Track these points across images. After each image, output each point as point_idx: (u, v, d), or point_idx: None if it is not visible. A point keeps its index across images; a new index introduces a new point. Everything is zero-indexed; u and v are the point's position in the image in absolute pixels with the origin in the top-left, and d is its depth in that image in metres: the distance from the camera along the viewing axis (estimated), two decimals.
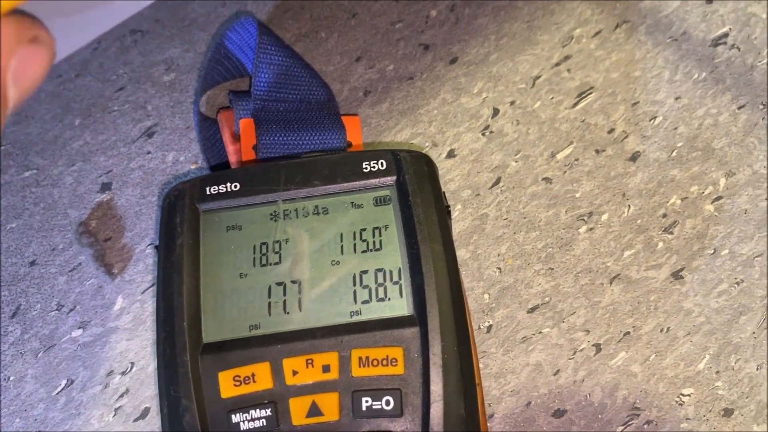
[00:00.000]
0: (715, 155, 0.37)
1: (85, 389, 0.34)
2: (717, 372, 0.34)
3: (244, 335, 0.29)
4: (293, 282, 0.30)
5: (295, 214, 0.31)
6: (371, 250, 0.30)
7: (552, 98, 0.39)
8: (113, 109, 0.39)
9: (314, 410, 0.27)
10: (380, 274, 0.30)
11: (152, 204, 0.37)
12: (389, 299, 0.29)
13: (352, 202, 0.31)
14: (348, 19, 0.41)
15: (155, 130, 0.39)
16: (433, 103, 0.39)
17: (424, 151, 0.38)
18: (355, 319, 0.29)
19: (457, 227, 0.36)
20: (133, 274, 0.36)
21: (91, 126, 0.39)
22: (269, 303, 0.29)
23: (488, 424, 0.33)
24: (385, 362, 0.28)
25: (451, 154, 0.38)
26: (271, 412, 0.27)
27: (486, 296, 0.35)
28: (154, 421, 0.33)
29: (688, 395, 0.33)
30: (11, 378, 0.34)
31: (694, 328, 0.34)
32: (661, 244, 0.36)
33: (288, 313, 0.29)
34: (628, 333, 0.34)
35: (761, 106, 0.38)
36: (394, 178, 0.31)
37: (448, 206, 0.31)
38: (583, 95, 0.39)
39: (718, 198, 0.37)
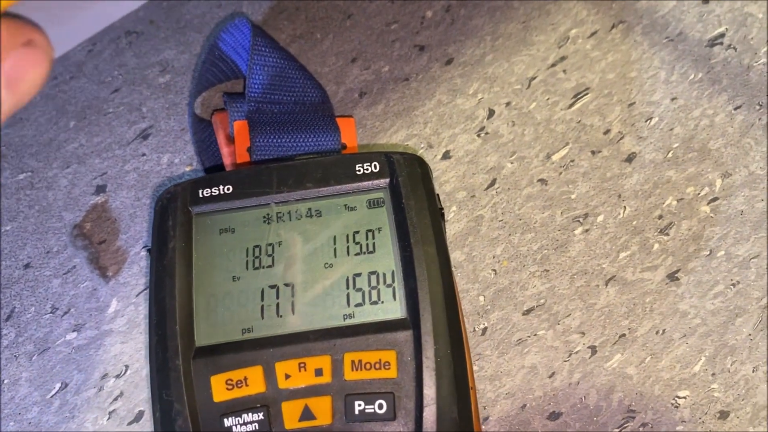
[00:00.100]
0: (711, 156, 0.37)
1: (79, 392, 0.34)
2: (713, 374, 0.34)
3: (236, 339, 0.29)
4: (286, 285, 0.30)
5: (288, 217, 0.31)
6: (364, 253, 0.30)
7: (548, 99, 0.38)
8: (108, 111, 0.39)
9: (307, 414, 0.27)
10: (373, 277, 0.30)
11: (147, 206, 0.37)
12: (382, 302, 0.29)
13: (345, 205, 0.31)
14: (343, 20, 0.41)
15: (150, 132, 0.39)
16: (429, 105, 0.39)
17: (419, 153, 0.38)
18: (348, 322, 0.29)
19: (453, 229, 0.36)
20: (127, 277, 0.36)
21: (85, 128, 0.39)
22: (262, 306, 0.29)
23: (483, 427, 0.33)
24: (378, 366, 0.28)
25: (446, 156, 0.38)
26: (263, 416, 0.27)
27: (481, 298, 0.35)
28: (148, 424, 0.33)
29: (684, 397, 0.33)
30: (5, 381, 0.34)
31: (690, 330, 0.34)
32: (656, 246, 0.36)
33: (281, 316, 0.29)
34: (624, 335, 0.34)
35: (758, 107, 0.38)
36: (388, 180, 0.31)
37: (442, 208, 0.31)
38: (579, 96, 0.39)
39: (714, 199, 0.37)
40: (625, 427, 0.33)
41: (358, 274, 0.30)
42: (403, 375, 0.27)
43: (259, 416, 0.27)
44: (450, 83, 0.39)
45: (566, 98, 0.38)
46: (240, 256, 0.30)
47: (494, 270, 0.35)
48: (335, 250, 0.30)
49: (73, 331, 0.35)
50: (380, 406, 0.27)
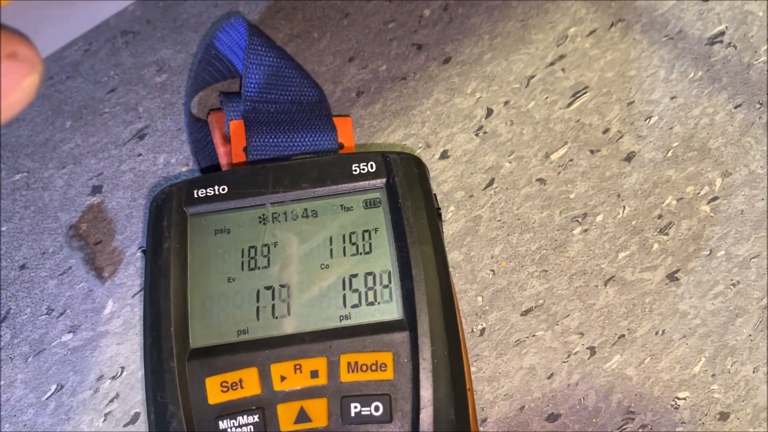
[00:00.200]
0: (711, 155, 0.37)
1: (75, 394, 0.34)
2: (713, 375, 0.33)
3: (232, 340, 0.28)
4: (282, 286, 0.29)
5: (284, 217, 0.30)
6: (361, 254, 0.30)
7: (546, 98, 0.38)
8: (104, 111, 0.39)
9: (302, 416, 0.27)
10: (370, 278, 0.29)
11: (143, 207, 0.37)
12: (379, 303, 0.29)
13: (341, 205, 0.31)
14: (340, 19, 0.40)
15: (146, 132, 0.38)
16: (427, 104, 0.38)
17: (416, 153, 0.37)
18: (345, 323, 0.29)
19: (450, 229, 0.36)
20: (123, 278, 0.36)
21: (82, 128, 0.38)
22: (258, 307, 0.29)
23: (481, 429, 0.33)
24: (374, 367, 0.27)
25: (444, 155, 0.37)
26: (258, 418, 0.27)
27: (479, 299, 0.35)
28: (144, 426, 0.33)
29: (684, 399, 0.33)
30: (1, 383, 0.34)
31: (690, 330, 0.34)
32: (656, 246, 0.35)
33: (276, 317, 0.29)
34: (623, 336, 0.34)
35: (758, 105, 0.38)
36: (384, 180, 0.30)
37: (439, 208, 0.31)
38: (578, 95, 0.38)
39: (714, 198, 0.36)
40: (625, 429, 0.33)
41: (355, 275, 0.29)
42: (399, 377, 0.27)
43: (254, 418, 0.27)
44: (448, 82, 0.39)
45: (565, 97, 0.38)
46: (235, 256, 0.30)
47: (492, 270, 0.35)
48: (331, 250, 0.30)
49: (69, 332, 0.35)
50: (376, 408, 0.27)
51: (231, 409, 0.27)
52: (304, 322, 0.29)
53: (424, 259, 0.29)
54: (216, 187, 0.31)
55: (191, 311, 0.29)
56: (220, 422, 0.27)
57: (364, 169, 0.31)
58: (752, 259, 0.35)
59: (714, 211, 0.36)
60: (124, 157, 0.38)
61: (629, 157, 0.37)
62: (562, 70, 0.39)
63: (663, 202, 0.36)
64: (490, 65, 0.39)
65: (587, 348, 0.34)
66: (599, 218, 0.36)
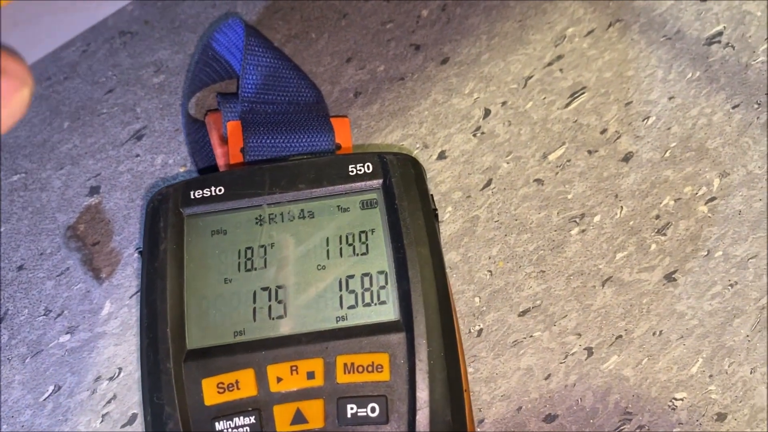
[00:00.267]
0: (708, 155, 0.37)
1: (72, 395, 0.34)
2: (710, 376, 0.33)
3: (228, 341, 0.28)
4: (279, 287, 0.29)
5: (280, 218, 0.30)
6: (358, 255, 0.30)
7: (544, 98, 0.38)
8: (102, 111, 0.39)
9: (299, 418, 0.27)
10: (367, 279, 0.29)
11: (141, 208, 0.37)
12: (375, 304, 0.29)
13: (338, 206, 0.31)
14: (338, 19, 0.40)
15: (144, 132, 0.38)
16: (424, 104, 0.38)
17: (414, 153, 0.37)
18: (341, 324, 0.29)
19: (448, 229, 0.36)
20: (121, 279, 0.36)
21: (79, 129, 0.38)
22: (254, 309, 0.29)
23: (478, 430, 0.33)
24: (370, 368, 0.27)
25: (442, 156, 0.37)
26: (254, 419, 0.27)
27: (476, 299, 0.35)
28: (141, 427, 0.33)
29: (681, 399, 0.33)
30: None
31: (687, 331, 0.34)
32: (653, 246, 0.35)
33: (273, 318, 0.29)
34: (620, 336, 0.34)
35: (756, 106, 0.38)
36: (381, 181, 0.30)
37: (436, 209, 0.31)
38: (576, 95, 0.38)
39: (712, 199, 0.36)
40: (622, 430, 0.33)
41: (351, 276, 0.29)
42: (396, 378, 0.27)
43: (250, 420, 0.27)
44: (446, 83, 0.39)
45: (563, 97, 0.38)
46: (232, 257, 0.30)
47: (490, 271, 0.35)
48: (328, 251, 0.30)
49: (67, 333, 0.35)
50: (373, 410, 0.27)
51: (227, 411, 0.27)
52: (301, 323, 0.29)
53: (420, 260, 0.29)
54: (213, 188, 0.31)
55: (188, 312, 0.29)
56: (217, 423, 0.27)
57: (360, 170, 0.31)
58: (750, 260, 0.35)
59: (712, 212, 0.36)
60: (121, 158, 0.38)
61: (627, 158, 0.37)
62: (560, 70, 0.39)
63: (661, 203, 0.36)
64: (488, 66, 0.39)
65: (584, 349, 0.34)
66: (597, 219, 0.36)
